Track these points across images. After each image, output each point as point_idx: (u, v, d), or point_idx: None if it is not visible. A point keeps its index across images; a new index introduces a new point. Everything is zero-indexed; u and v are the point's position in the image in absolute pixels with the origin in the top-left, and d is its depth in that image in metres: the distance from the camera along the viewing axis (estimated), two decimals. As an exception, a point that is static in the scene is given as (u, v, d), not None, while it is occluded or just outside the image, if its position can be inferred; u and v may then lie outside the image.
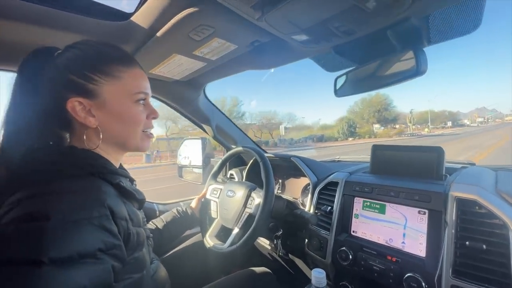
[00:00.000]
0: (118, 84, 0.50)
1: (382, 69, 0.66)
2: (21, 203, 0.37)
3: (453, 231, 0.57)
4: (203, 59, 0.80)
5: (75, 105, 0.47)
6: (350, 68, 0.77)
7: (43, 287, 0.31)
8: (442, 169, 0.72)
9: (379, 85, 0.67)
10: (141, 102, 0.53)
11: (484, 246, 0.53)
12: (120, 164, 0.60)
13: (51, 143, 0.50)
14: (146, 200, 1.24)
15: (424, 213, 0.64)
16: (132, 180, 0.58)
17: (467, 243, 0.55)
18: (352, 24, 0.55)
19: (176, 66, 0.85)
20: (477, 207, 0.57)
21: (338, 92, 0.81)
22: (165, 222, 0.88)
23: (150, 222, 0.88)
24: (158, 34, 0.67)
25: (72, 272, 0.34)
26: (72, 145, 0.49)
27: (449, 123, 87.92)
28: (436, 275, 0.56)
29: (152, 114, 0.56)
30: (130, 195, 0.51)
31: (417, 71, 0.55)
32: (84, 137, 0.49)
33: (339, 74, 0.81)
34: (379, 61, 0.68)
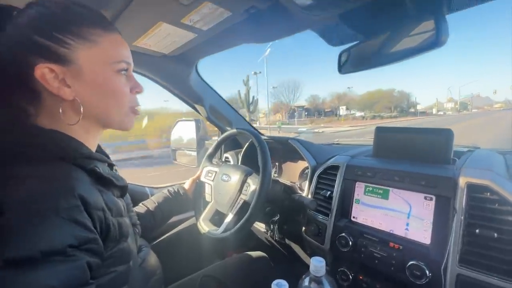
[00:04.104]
0: (95, 49, 0.43)
1: (395, 41, 0.59)
2: None
3: (462, 218, 0.54)
4: (193, 29, 0.71)
5: (45, 73, 0.39)
6: (357, 42, 0.70)
7: None
8: (450, 153, 0.68)
9: (390, 59, 0.60)
10: (123, 73, 0.47)
11: (496, 235, 0.50)
12: (99, 146, 0.54)
13: (15, 120, 0.42)
14: (137, 184, 1.21)
15: (431, 199, 0.61)
16: (111, 165, 0.52)
17: (477, 231, 0.51)
18: (365, -16, 0.47)
19: (164, 37, 0.76)
20: (488, 193, 0.53)
21: (343, 69, 0.74)
22: (156, 204, 0.84)
23: (140, 204, 0.84)
24: None
25: (35, 273, 0.29)
26: (38, 124, 0.42)
27: (358, 114, 58.44)
28: (443, 263, 0.53)
29: (136, 88, 0.50)
30: (107, 182, 0.45)
31: (436, 42, 0.48)
32: (60, 111, 0.42)
33: (343, 49, 0.74)
34: (391, 32, 0.61)
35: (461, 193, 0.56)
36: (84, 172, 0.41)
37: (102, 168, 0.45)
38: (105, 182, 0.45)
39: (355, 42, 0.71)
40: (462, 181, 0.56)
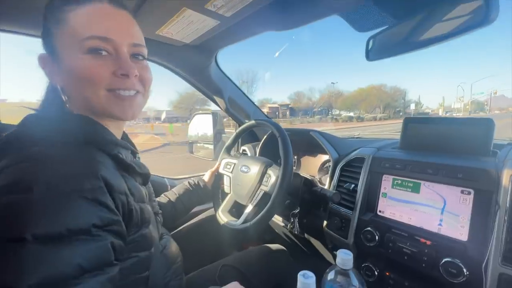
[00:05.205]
0: (64, 29, 0.39)
1: (433, 22, 0.55)
2: (1, 173, 0.32)
3: (506, 213, 0.50)
4: (216, 16, 0.70)
5: (43, 64, 0.42)
6: (387, 26, 0.66)
7: (27, 267, 0.27)
8: (490, 144, 0.63)
9: (425, 42, 0.56)
10: (102, 51, 0.40)
11: (547, 232, 0.45)
12: (125, 133, 0.54)
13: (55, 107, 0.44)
14: (156, 174, 1.23)
15: (469, 193, 0.56)
16: (134, 153, 0.52)
17: (524, 227, 0.47)
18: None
19: (186, 25, 0.75)
20: None
21: (371, 55, 0.70)
22: (177, 195, 0.86)
23: (162, 195, 0.86)
24: None
25: (61, 250, 0.29)
26: (68, 110, 0.43)
27: (345, 114, 46.73)
28: (484, 261, 0.49)
29: (120, 70, 0.41)
30: (129, 169, 0.45)
31: (485, 19, 0.43)
32: (63, 97, 0.43)
33: (372, 34, 0.70)
34: (427, 13, 0.57)
35: (505, 186, 0.51)
36: (108, 157, 0.41)
37: (125, 155, 0.45)
38: (128, 168, 0.45)
39: (385, 27, 0.67)
40: (507, 174, 0.52)
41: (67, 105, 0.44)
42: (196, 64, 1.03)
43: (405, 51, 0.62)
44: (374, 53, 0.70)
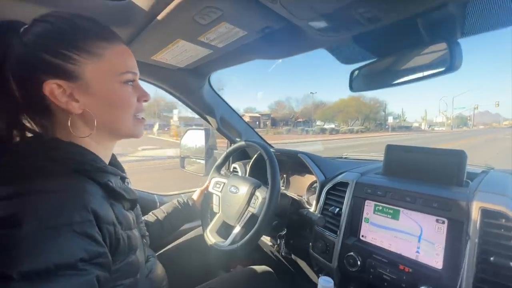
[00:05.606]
0: (101, 63, 0.43)
1: (407, 64, 0.60)
2: None
3: (475, 244, 0.53)
4: (209, 46, 0.74)
5: (54, 89, 0.40)
6: (369, 61, 0.71)
7: None
8: (463, 175, 0.67)
9: (401, 81, 0.61)
10: (130, 83, 0.47)
11: (511, 263, 0.48)
12: (114, 157, 0.56)
13: (32, 135, 0.45)
14: (146, 191, 1.23)
15: (443, 222, 0.59)
16: (123, 178, 0.53)
17: (491, 258, 0.50)
18: (379, 10, 0.49)
19: (180, 53, 0.79)
20: (504, 220, 0.52)
21: (354, 87, 0.75)
22: (165, 214, 0.86)
23: (151, 213, 0.86)
24: (160, 17, 0.61)
25: (47, 286, 0.30)
26: (57, 137, 0.43)
27: (327, 126, 42.47)
28: (455, 291, 0.51)
29: (143, 97, 0.51)
30: (119, 196, 0.46)
31: (450, 67, 0.48)
32: (69, 124, 0.43)
33: (355, 67, 0.75)
34: (404, 54, 0.62)
35: (474, 218, 0.55)
36: (98, 186, 0.42)
37: (115, 182, 0.46)
38: (117, 196, 0.45)
39: (367, 62, 0.72)
40: (476, 206, 0.55)
41: (53, 130, 0.44)
42: (189, 86, 1.07)
43: (384, 86, 0.67)
44: (356, 85, 0.74)
